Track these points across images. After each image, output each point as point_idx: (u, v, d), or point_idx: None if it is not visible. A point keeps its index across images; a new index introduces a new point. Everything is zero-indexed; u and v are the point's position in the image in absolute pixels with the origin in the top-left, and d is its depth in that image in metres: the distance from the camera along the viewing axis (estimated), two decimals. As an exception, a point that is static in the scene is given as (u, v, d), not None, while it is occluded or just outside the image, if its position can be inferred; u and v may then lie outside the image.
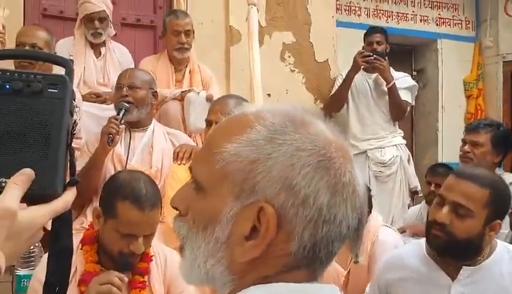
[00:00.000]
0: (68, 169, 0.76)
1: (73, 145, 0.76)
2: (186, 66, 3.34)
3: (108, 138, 2.42)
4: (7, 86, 0.71)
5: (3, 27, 3.06)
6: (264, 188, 0.63)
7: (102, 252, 1.71)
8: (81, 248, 1.71)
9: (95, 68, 3.25)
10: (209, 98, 3.02)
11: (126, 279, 1.58)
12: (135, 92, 2.62)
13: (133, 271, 1.71)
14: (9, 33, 2.98)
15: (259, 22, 3.50)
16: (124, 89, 2.60)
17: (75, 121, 0.75)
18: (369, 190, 2.89)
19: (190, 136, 2.96)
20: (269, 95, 3.73)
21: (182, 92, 3.14)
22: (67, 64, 0.77)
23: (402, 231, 3.08)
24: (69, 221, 0.80)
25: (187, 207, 0.69)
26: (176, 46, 3.23)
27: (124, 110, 2.54)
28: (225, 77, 3.82)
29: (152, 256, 1.77)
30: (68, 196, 0.74)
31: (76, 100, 0.76)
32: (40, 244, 2.38)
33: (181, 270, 0.70)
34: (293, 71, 4.18)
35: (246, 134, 0.65)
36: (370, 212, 2.71)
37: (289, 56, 4.15)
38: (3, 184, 0.69)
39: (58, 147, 0.71)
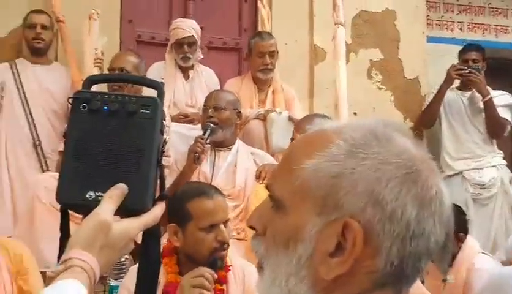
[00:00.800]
0: (158, 185, 0.80)
1: (162, 163, 0.80)
2: (269, 86, 3.38)
3: (194, 156, 2.53)
4: (105, 108, 0.77)
5: (102, 53, 3.29)
6: (349, 203, 0.61)
7: (186, 261, 1.74)
8: (161, 262, 1.75)
9: (184, 91, 3.39)
10: (291, 119, 3.01)
11: (216, 276, 1.61)
12: (220, 113, 2.71)
13: None
14: (106, 59, 3.21)
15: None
16: (210, 111, 2.70)
17: (165, 140, 0.80)
18: (464, 213, 2.71)
19: (273, 156, 2.96)
20: (355, 113, 3.65)
21: (265, 111, 3.16)
22: (158, 86, 0.83)
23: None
24: (158, 234, 0.84)
25: (264, 226, 0.68)
26: (260, 67, 3.28)
27: (209, 130, 2.63)
28: (308, 96, 3.80)
29: (229, 266, 1.79)
30: (158, 210, 0.78)
31: (166, 120, 0.81)
32: (131, 257, 2.48)
33: (259, 289, 0.69)
34: (380, 88, 4.06)
35: (326, 149, 0.63)
36: (466, 236, 2.54)
37: (376, 73, 4.04)
38: (99, 198, 0.74)
39: (149, 164, 0.76)
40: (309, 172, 0.63)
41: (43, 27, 3.23)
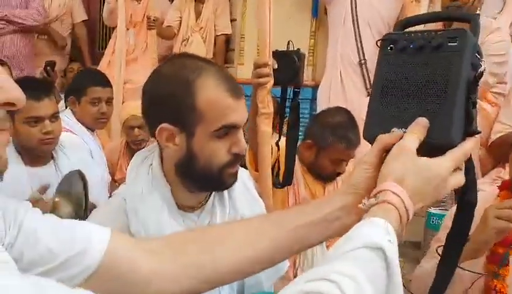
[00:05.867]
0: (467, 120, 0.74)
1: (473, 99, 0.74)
2: None
3: None
4: (411, 46, 0.76)
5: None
6: None
7: None
8: (498, 196, 1.53)
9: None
10: None
11: None
12: None
13: None
14: None
15: None
16: None
17: (479, 73, 0.73)
18: None
19: None
20: None
21: None
22: (472, 18, 0.79)
23: None
24: (472, 170, 0.78)
25: None
26: None
27: None
28: None
29: None
30: (467, 145, 0.73)
31: (481, 55, 0.75)
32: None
33: None
34: None
35: None
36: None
37: None
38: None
39: (455, 99, 0.72)
40: None
41: None
